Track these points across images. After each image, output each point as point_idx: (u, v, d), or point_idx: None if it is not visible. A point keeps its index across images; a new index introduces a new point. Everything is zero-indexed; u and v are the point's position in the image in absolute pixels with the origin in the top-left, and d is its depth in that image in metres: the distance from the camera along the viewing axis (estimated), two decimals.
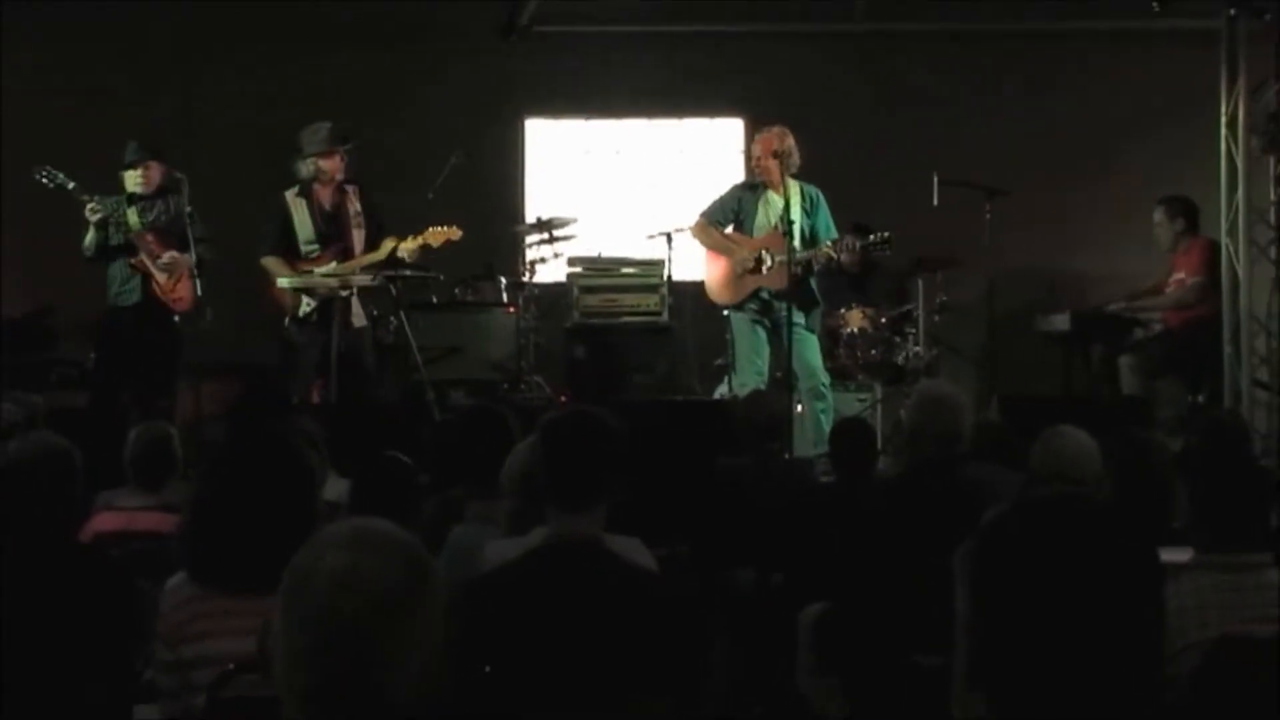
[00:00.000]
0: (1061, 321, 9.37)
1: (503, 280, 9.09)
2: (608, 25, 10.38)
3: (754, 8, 10.36)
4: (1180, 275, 9.06)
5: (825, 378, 8.28)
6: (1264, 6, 8.48)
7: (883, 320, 8.98)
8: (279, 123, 9.90)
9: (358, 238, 8.23)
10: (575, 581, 3.15)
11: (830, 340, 8.82)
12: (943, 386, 5.11)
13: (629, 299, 9.15)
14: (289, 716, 1.86)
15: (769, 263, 8.16)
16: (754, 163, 8.41)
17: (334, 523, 2.02)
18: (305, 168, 8.30)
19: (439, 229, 8.17)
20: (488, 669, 3.01)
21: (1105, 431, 4.52)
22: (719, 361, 8.68)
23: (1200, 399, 8.91)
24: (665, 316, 9.08)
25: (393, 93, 9.85)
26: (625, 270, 9.28)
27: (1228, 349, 8.59)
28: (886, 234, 8.12)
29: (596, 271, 9.26)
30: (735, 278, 8.32)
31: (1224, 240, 8.68)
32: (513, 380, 8.76)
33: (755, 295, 8.29)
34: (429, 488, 4.97)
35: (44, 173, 8.03)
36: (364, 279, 8.13)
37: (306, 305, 8.10)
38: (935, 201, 8.81)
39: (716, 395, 8.53)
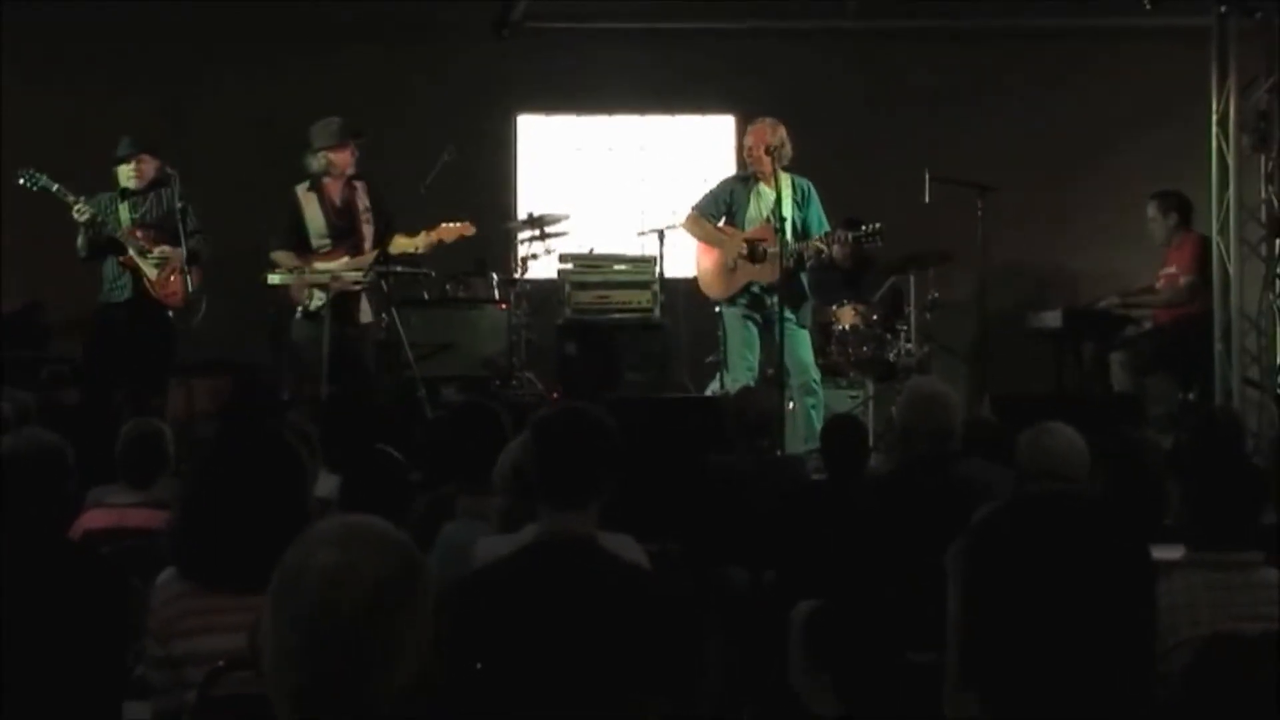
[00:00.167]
0: (1053, 319, 9.38)
1: (494, 276, 9.07)
2: (600, 22, 10.37)
3: (747, 5, 10.35)
4: (1172, 270, 9.07)
5: (817, 374, 8.29)
6: (1255, 5, 8.48)
7: (874, 317, 8.98)
8: (274, 120, 9.90)
9: (367, 233, 8.25)
10: (567, 579, 3.14)
11: (822, 337, 8.83)
12: (933, 384, 5.11)
13: (621, 295, 9.15)
14: (280, 715, 1.85)
15: (761, 255, 8.16)
16: (746, 154, 8.42)
17: (324, 520, 2.02)
18: (316, 162, 8.29)
19: (452, 224, 8.21)
20: (479, 667, 3.01)
21: (1096, 429, 4.52)
22: (711, 358, 8.68)
23: (1191, 396, 8.92)
24: (657, 313, 9.08)
25: (385, 89, 9.84)
26: (617, 267, 9.28)
27: (1219, 347, 8.60)
28: (877, 225, 8.13)
29: (588, 268, 9.25)
30: (727, 271, 8.33)
31: (1215, 238, 8.69)
32: (504, 377, 8.76)
33: (746, 289, 8.30)
34: (420, 484, 4.97)
35: (25, 175, 8.00)
36: (355, 275, 8.12)
37: (318, 299, 8.10)
38: (927, 198, 8.81)
39: (708, 392, 8.52)
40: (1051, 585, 1.85)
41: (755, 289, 8.28)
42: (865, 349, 8.93)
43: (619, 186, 10.69)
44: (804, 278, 8.28)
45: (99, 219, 8.00)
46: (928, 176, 8.82)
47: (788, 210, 8.07)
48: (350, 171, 8.30)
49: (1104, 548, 1.85)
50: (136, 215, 8.17)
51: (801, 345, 8.20)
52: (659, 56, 10.41)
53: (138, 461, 5.15)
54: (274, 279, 8.18)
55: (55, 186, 7.96)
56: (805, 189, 8.29)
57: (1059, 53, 10.52)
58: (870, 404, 8.82)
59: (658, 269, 9.09)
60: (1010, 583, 1.87)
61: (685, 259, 8.82)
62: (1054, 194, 10.34)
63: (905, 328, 9.06)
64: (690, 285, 8.67)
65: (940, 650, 3.39)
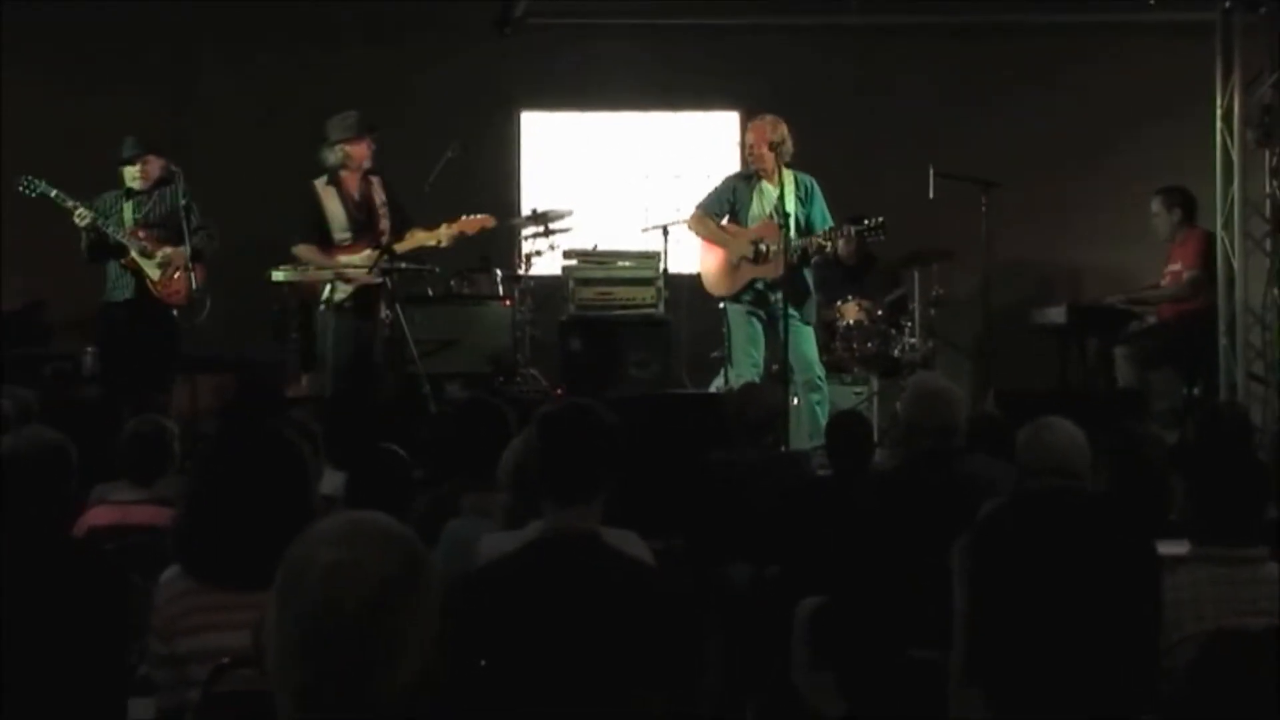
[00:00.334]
0: (1057, 314, 9.37)
1: (498, 273, 9.07)
2: (603, 18, 10.37)
3: (750, 1, 10.34)
4: (1176, 267, 9.07)
5: (821, 370, 8.28)
6: None
7: (879, 313, 8.98)
8: (276, 118, 9.91)
9: (385, 227, 8.28)
10: (572, 575, 3.14)
11: (826, 333, 8.82)
12: (937, 379, 5.11)
13: (625, 292, 9.14)
14: (284, 712, 1.85)
15: (765, 252, 8.16)
16: (747, 151, 8.42)
17: (328, 516, 2.02)
18: (333, 155, 8.30)
19: (474, 217, 8.24)
20: (484, 663, 3.01)
21: (1100, 424, 4.52)
22: (715, 354, 8.67)
23: (1195, 392, 8.92)
24: (661, 309, 9.07)
25: (388, 87, 9.83)
26: (621, 263, 9.27)
27: (1223, 341, 8.59)
28: (880, 219, 8.13)
29: (592, 264, 9.25)
30: (731, 268, 8.33)
31: (1219, 233, 8.68)
32: (508, 373, 8.75)
33: (751, 286, 8.29)
34: (424, 481, 4.97)
35: (25, 182, 8.00)
36: (360, 271, 8.12)
37: (341, 292, 8.10)
38: (931, 194, 8.81)
39: (713, 388, 8.52)
40: (1057, 581, 1.84)
41: (759, 285, 8.28)
42: (870, 345, 8.93)
43: (622, 183, 10.69)
44: (808, 274, 8.27)
45: (99, 223, 7.99)
46: (932, 172, 8.81)
47: (791, 206, 8.07)
48: (368, 164, 8.32)
49: (1109, 543, 1.85)
50: (140, 215, 8.17)
51: (806, 342, 8.20)
52: (662, 52, 10.41)
53: (141, 458, 5.15)
54: (278, 276, 8.19)
55: (54, 192, 7.95)
56: (808, 185, 8.28)
57: (1063, 48, 10.51)
58: (875, 400, 8.82)
59: (662, 265, 9.08)
60: (1016, 578, 1.86)
61: (689, 255, 8.81)
62: (1058, 189, 10.32)
63: (909, 323, 9.06)
64: (694, 281, 8.66)
65: (944, 647, 3.39)
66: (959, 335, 9.40)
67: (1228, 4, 8.60)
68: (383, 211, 8.33)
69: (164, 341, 8.08)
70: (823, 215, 8.26)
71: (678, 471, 6.13)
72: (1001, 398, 7.39)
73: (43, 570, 3.35)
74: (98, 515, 4.89)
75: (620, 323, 9.06)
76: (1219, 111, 8.66)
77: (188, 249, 7.95)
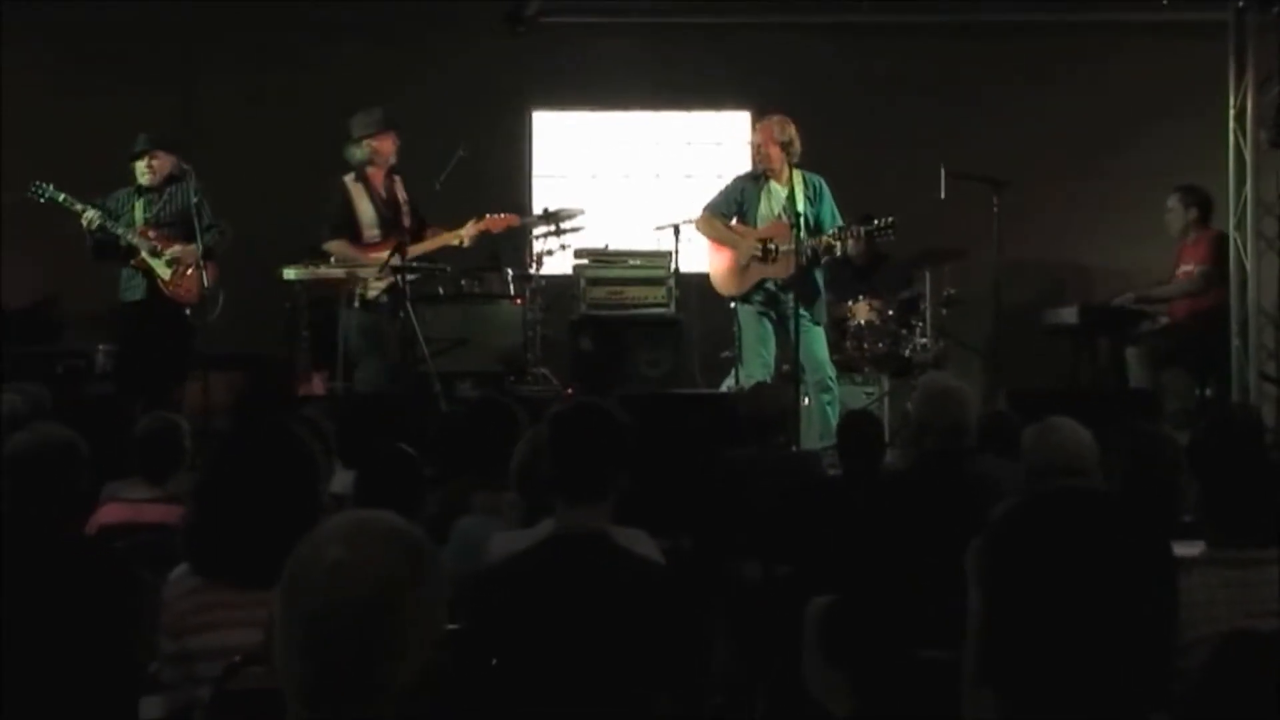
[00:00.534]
0: (1069, 315, 9.35)
1: (509, 272, 9.07)
2: (614, 17, 10.36)
3: (760, 1, 10.33)
4: (1188, 267, 9.04)
5: (831, 370, 8.28)
6: None
7: (890, 313, 8.97)
8: (286, 116, 9.93)
9: (408, 226, 8.30)
10: (582, 574, 3.14)
11: (837, 333, 8.82)
12: (947, 379, 5.10)
13: (636, 291, 9.14)
14: (291, 709, 1.85)
15: (774, 252, 8.16)
16: (755, 151, 8.42)
17: (335, 515, 2.01)
18: (359, 151, 8.32)
19: (498, 216, 8.27)
20: (494, 661, 3.01)
21: (1112, 424, 4.50)
22: (726, 354, 8.67)
23: (1207, 392, 8.90)
24: (672, 309, 9.07)
25: (399, 85, 9.83)
26: (632, 262, 9.27)
27: (1236, 342, 8.57)
28: (890, 219, 8.12)
29: (603, 263, 9.25)
30: (740, 269, 8.32)
31: (1232, 234, 8.66)
32: (519, 372, 8.75)
33: (760, 286, 8.29)
34: (435, 480, 4.96)
35: (35, 187, 8.02)
36: (372, 271, 8.13)
37: (374, 290, 8.11)
38: (942, 194, 8.79)
39: (723, 388, 8.52)
40: (1072, 582, 1.83)
41: (769, 286, 8.28)
42: (880, 345, 8.92)
43: (633, 182, 10.69)
44: (818, 274, 8.27)
45: (107, 225, 8.00)
46: (943, 172, 8.79)
47: (800, 206, 8.07)
48: (394, 160, 8.34)
49: (1125, 545, 1.84)
50: (151, 213, 8.18)
51: (816, 342, 8.19)
52: (673, 52, 10.40)
53: (154, 456, 5.15)
54: (290, 274, 8.19)
55: (62, 196, 7.97)
56: (817, 185, 8.28)
57: (1075, 47, 10.48)
58: (885, 400, 8.81)
59: (672, 264, 9.07)
60: (1030, 579, 1.86)
61: (700, 254, 8.81)
62: (1070, 189, 10.31)
63: (920, 323, 9.05)
64: (705, 280, 8.66)
65: (955, 647, 3.38)
66: (970, 335, 9.38)
67: (1241, 3, 8.58)
68: (405, 210, 8.37)
69: (177, 340, 8.10)
70: (832, 214, 8.26)
71: (688, 471, 6.14)
72: (1013, 398, 7.37)
73: (53, 568, 3.35)
74: (109, 513, 4.89)
75: (631, 322, 9.05)
76: (1232, 111, 8.64)
77: (199, 247, 7.96)
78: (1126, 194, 10.16)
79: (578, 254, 9.23)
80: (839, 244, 8.18)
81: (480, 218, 8.34)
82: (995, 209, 8.77)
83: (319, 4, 10.14)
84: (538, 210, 9.46)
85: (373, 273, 8.12)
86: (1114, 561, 1.84)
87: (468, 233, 8.29)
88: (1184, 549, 3.31)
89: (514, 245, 9.18)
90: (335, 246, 8.25)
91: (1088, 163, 10.37)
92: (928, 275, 9.13)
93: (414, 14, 10.14)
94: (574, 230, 9.10)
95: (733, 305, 8.43)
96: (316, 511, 3.18)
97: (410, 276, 8.18)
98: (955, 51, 10.49)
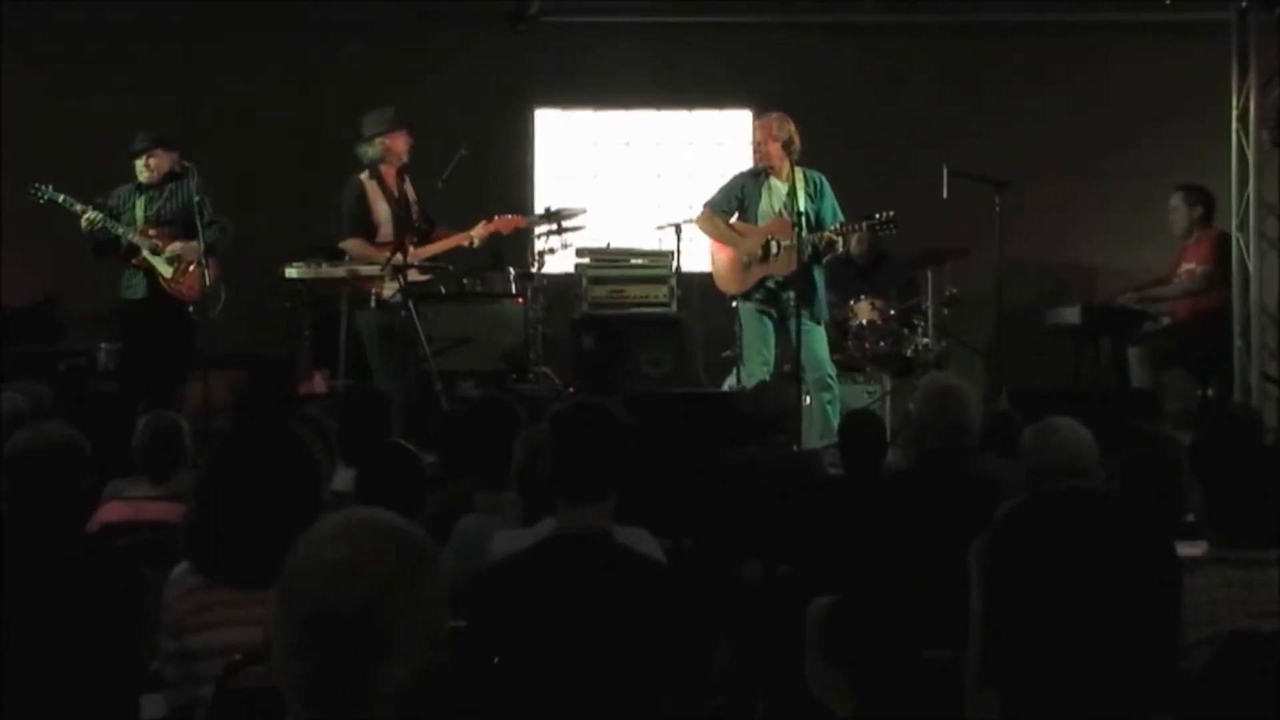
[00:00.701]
0: (1071, 314, 9.35)
1: (511, 271, 9.07)
2: (616, 16, 10.36)
3: (763, 0, 10.33)
4: (1190, 266, 9.04)
5: (832, 369, 8.28)
6: None
7: (891, 312, 8.97)
8: (288, 115, 9.93)
9: (418, 225, 8.32)
10: (583, 573, 3.14)
11: (839, 332, 8.81)
12: (949, 379, 5.09)
13: (637, 290, 9.14)
14: (290, 709, 1.85)
15: (775, 250, 8.17)
16: (755, 148, 8.43)
17: (331, 513, 2.01)
18: (372, 150, 8.31)
19: (507, 216, 8.28)
20: (496, 660, 3.01)
21: (1114, 424, 4.50)
22: (727, 353, 8.67)
23: (1209, 393, 8.89)
24: (674, 308, 9.07)
25: (402, 84, 9.82)
26: (634, 261, 9.27)
27: (1238, 342, 8.57)
28: (891, 213, 8.13)
29: (605, 262, 9.24)
30: (742, 267, 8.33)
31: (1234, 234, 8.66)
32: (521, 371, 8.75)
33: (761, 284, 8.29)
34: (436, 479, 4.96)
35: (35, 189, 8.03)
36: (373, 269, 8.13)
37: (389, 289, 8.12)
38: (945, 193, 8.79)
39: (725, 387, 8.52)
40: (1075, 583, 1.83)
41: (770, 284, 8.28)
42: (882, 344, 8.92)
43: (636, 181, 10.68)
44: (817, 272, 8.26)
45: (107, 224, 8.00)
46: (945, 171, 8.79)
47: (801, 203, 8.07)
48: (406, 158, 8.34)
49: (1128, 545, 1.84)
50: (152, 211, 8.18)
51: (816, 341, 8.19)
52: (675, 50, 10.40)
53: (155, 454, 5.16)
54: (291, 272, 8.19)
55: (62, 197, 7.98)
56: (818, 181, 8.28)
57: (1077, 47, 10.48)
58: (887, 399, 8.80)
59: (674, 263, 9.08)
60: (1034, 580, 1.85)
61: (702, 253, 8.81)
62: (1072, 189, 10.30)
63: (922, 323, 9.05)
64: (706, 280, 8.66)
65: (958, 647, 3.38)
66: (972, 335, 9.38)
67: (1244, 3, 8.58)
68: (415, 209, 8.38)
69: (179, 338, 8.09)
70: (833, 211, 8.26)
71: (689, 470, 6.13)
72: (1015, 398, 7.37)
73: (55, 566, 3.35)
74: (111, 511, 4.89)
75: (633, 321, 9.05)
76: (1234, 112, 8.64)
77: (201, 244, 7.96)
78: (1128, 194, 10.16)
79: (579, 253, 9.23)
80: (840, 239, 8.19)
81: (489, 218, 8.35)
82: (997, 209, 8.76)
83: (319, 4, 10.13)
84: (539, 209, 9.46)
85: (389, 271, 8.10)
86: (1117, 562, 1.84)
87: (478, 233, 8.30)
88: (1186, 549, 3.31)
89: (516, 244, 9.18)
90: (352, 245, 8.24)
91: (1089, 162, 10.36)
92: (929, 275, 9.12)
93: (415, 13, 10.14)
94: (576, 229, 9.10)
95: (734, 304, 8.43)
96: (317, 510, 3.18)
97: (424, 277, 8.20)
98: (956, 51, 10.49)
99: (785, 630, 4.73)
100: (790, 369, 8.07)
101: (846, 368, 8.78)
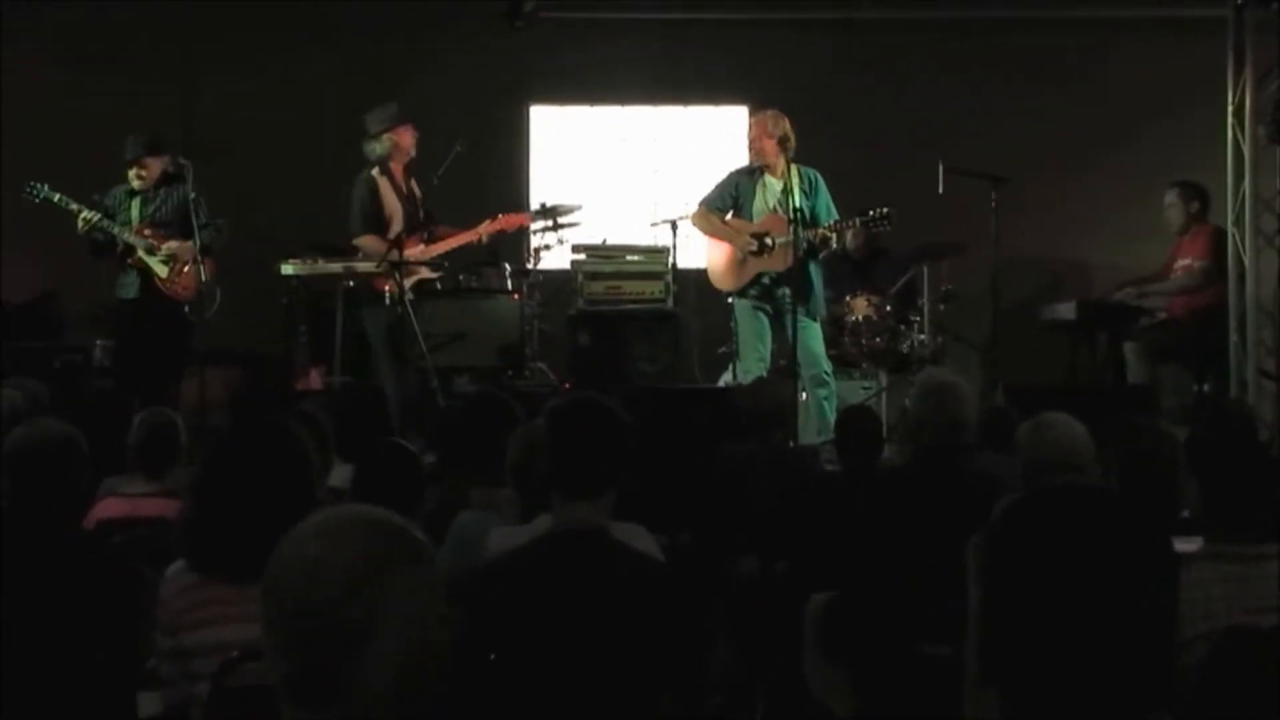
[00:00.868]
0: (1067, 310, 9.35)
1: (507, 267, 9.06)
2: (613, 12, 10.36)
3: None
4: (1187, 262, 9.04)
5: (828, 365, 8.28)
6: None
7: (888, 308, 8.97)
8: (285, 112, 9.91)
9: (424, 222, 8.33)
10: (580, 570, 3.14)
11: (835, 328, 8.81)
12: (945, 375, 5.09)
13: (633, 286, 9.13)
14: (281, 708, 1.85)
15: (770, 246, 8.17)
16: (750, 145, 8.43)
17: (317, 511, 2.00)
18: (379, 146, 8.29)
19: (513, 215, 8.27)
20: (492, 657, 3.00)
21: (1110, 420, 4.50)
22: (723, 349, 8.67)
23: (1205, 388, 8.90)
24: (670, 304, 9.06)
25: (398, 80, 9.82)
26: (630, 257, 9.26)
27: (1234, 338, 8.57)
28: (885, 210, 8.14)
29: (601, 258, 9.23)
30: (737, 263, 8.33)
31: (1230, 229, 8.66)
32: (517, 367, 8.75)
33: (757, 280, 8.29)
34: (433, 475, 4.96)
35: (29, 188, 8.01)
36: (369, 266, 8.13)
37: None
38: (940, 190, 8.79)
39: (721, 383, 8.52)
40: (1074, 579, 1.83)
41: (765, 280, 8.28)
42: (878, 340, 8.91)
43: (632, 177, 10.68)
44: (812, 268, 8.26)
45: (103, 225, 7.99)
46: (941, 167, 8.79)
47: (797, 200, 8.07)
48: (412, 154, 8.33)
49: (1126, 541, 1.84)
50: (148, 212, 8.16)
51: (812, 337, 8.19)
52: (671, 46, 10.40)
53: (151, 451, 5.15)
54: (288, 269, 8.19)
55: (57, 197, 7.96)
56: (812, 178, 8.29)
57: (1073, 43, 10.48)
58: (883, 395, 8.80)
59: (670, 259, 9.07)
60: (1032, 576, 1.85)
61: (698, 249, 8.81)
62: (1068, 185, 10.30)
63: (918, 319, 9.05)
64: (702, 276, 8.66)
65: (956, 643, 3.38)
66: (968, 331, 9.38)
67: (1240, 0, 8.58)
68: (421, 206, 8.39)
69: (174, 337, 8.08)
70: (828, 208, 8.26)
71: (686, 466, 6.13)
72: (1011, 393, 7.37)
73: (52, 563, 3.35)
74: (107, 507, 4.89)
75: (629, 317, 9.04)
76: (1230, 107, 8.64)
77: (196, 243, 7.95)
78: (1124, 190, 10.16)
79: (575, 249, 9.22)
80: (835, 236, 8.20)
81: (494, 217, 8.35)
82: (993, 205, 8.76)
83: (316, 2, 10.12)
84: (535, 205, 9.46)
85: (386, 268, 8.09)
86: (1115, 557, 1.84)
87: (485, 230, 8.30)
88: (1181, 545, 3.31)
89: (512, 240, 9.18)
90: (367, 242, 8.22)
91: (1086, 158, 10.37)
92: (925, 271, 9.12)
93: (412, 10, 10.13)
94: (572, 225, 9.09)
95: (729, 300, 8.43)
96: (312, 507, 3.17)
97: (435, 274, 8.20)
98: (953, 48, 10.49)
99: (784, 628, 4.73)
100: (786, 365, 8.07)
101: (842, 363, 8.77)
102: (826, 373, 8.23)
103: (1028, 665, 1.82)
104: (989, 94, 10.40)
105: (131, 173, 8.13)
